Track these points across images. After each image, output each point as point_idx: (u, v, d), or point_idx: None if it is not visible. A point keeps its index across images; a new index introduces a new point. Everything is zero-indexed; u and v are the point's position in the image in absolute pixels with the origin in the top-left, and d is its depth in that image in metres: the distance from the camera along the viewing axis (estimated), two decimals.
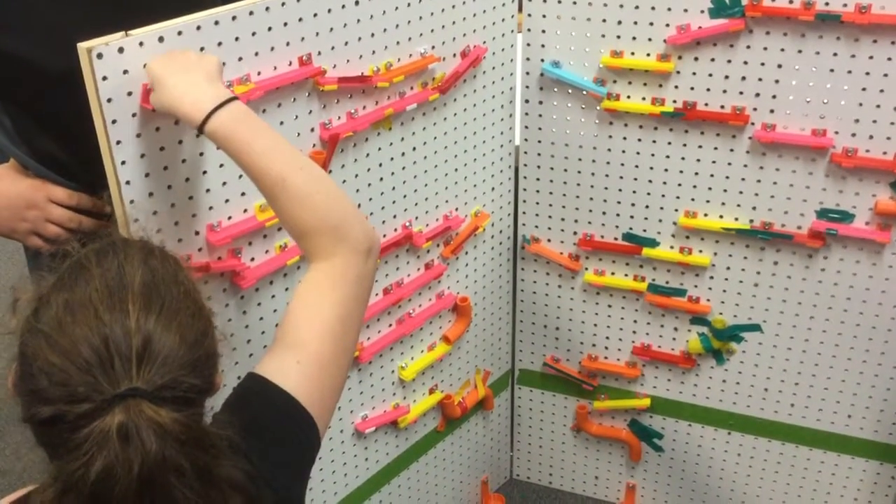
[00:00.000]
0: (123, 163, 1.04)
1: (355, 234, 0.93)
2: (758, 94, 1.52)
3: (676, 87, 1.55)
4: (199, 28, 1.07)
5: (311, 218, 0.91)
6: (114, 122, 1.02)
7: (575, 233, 1.76)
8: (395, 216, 1.50)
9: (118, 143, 1.03)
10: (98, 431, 0.63)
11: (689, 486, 1.94)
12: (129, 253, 0.78)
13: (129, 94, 1.02)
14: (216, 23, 1.08)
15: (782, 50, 1.47)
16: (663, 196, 1.65)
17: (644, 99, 1.58)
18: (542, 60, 1.61)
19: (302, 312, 0.91)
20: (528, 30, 1.60)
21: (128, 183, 1.05)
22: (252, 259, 1.26)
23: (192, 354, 0.71)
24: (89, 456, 0.63)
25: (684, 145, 1.60)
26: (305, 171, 0.92)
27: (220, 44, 1.10)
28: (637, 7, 1.51)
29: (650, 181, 1.65)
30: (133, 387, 0.65)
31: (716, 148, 1.58)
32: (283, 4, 1.16)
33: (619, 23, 1.53)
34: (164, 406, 0.66)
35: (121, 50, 0.99)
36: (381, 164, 1.43)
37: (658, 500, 1.98)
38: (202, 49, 1.07)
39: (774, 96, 1.51)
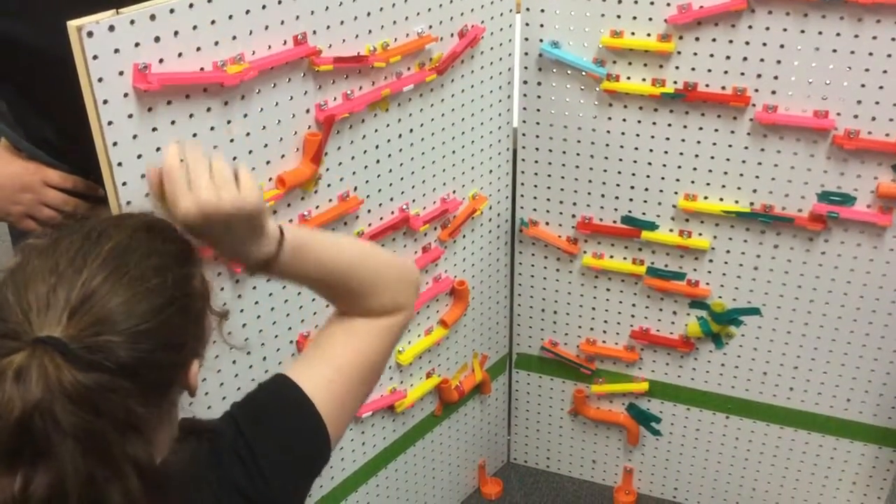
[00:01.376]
0: (115, 144, 1.02)
1: (411, 303, 0.95)
2: (759, 75, 1.50)
3: (677, 67, 1.53)
4: (191, 6, 1.04)
5: (382, 298, 0.92)
6: (105, 102, 1.00)
7: (573, 216, 1.74)
8: (391, 199, 1.48)
9: (109, 123, 1.01)
10: (2, 366, 0.65)
11: (687, 470, 1.93)
12: (123, 222, 0.77)
13: (121, 73, 1.00)
14: (209, 0, 1.06)
15: (784, 30, 1.45)
16: (663, 179, 1.64)
17: (644, 80, 1.56)
18: (541, 40, 1.59)
19: (344, 336, 0.92)
20: (527, 9, 1.58)
21: (119, 165, 1.03)
22: None
23: (136, 328, 0.69)
24: None
25: (684, 127, 1.58)
26: (373, 257, 0.95)
27: (213, 22, 1.07)
28: None
29: (650, 163, 1.63)
30: (52, 336, 0.66)
31: (716, 130, 1.56)
32: None
33: (619, 1, 1.51)
34: (76, 364, 0.65)
35: (111, 28, 0.97)
36: (377, 146, 1.41)
37: (655, 483, 1.98)
38: (195, 28, 1.05)
39: (776, 77, 1.49)
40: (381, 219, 1.47)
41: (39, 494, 0.65)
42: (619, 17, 1.52)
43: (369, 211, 1.44)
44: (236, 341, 1.23)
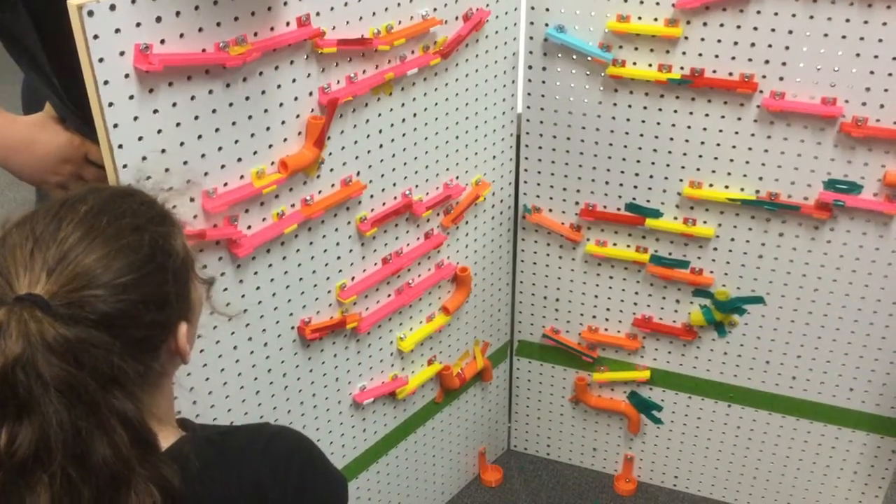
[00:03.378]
0: (116, 125, 1.01)
1: None
2: (767, 61, 1.48)
3: (684, 53, 1.51)
4: None
5: None
6: (105, 82, 0.98)
7: (577, 203, 1.73)
8: (394, 184, 1.46)
9: (110, 104, 0.99)
10: None
11: (688, 459, 1.93)
12: (100, 188, 0.79)
13: (122, 53, 0.98)
14: None
15: (793, 15, 1.43)
16: (668, 166, 1.62)
17: (651, 65, 1.54)
18: (547, 25, 1.57)
19: None
20: None
21: (120, 146, 1.02)
22: (249, 227, 1.22)
23: (115, 281, 0.70)
24: None
25: (691, 113, 1.56)
26: None
27: (215, 2, 1.05)
28: None
29: (655, 150, 1.62)
30: (31, 293, 0.67)
31: (723, 116, 1.55)
32: None
33: None
34: (57, 318, 0.66)
35: (112, 7, 0.95)
36: (380, 131, 1.39)
37: (656, 472, 1.97)
38: (196, 8, 1.03)
39: (784, 63, 1.47)
40: (384, 204, 1.46)
41: (25, 448, 0.65)
42: (625, 1, 1.50)
43: (372, 196, 1.42)
44: (231, 310, 1.22)
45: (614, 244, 1.74)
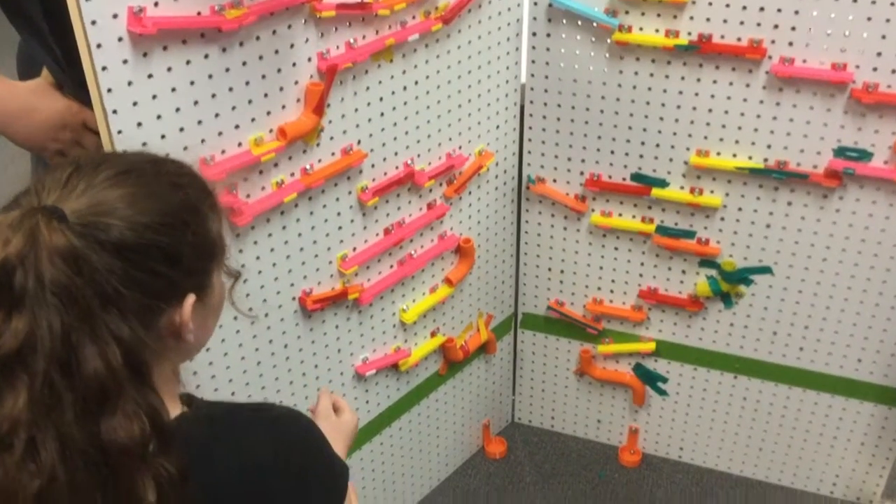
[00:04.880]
0: (110, 90, 0.99)
1: None
2: (776, 26, 1.45)
3: (691, 17, 1.48)
4: None
5: None
6: (98, 46, 0.96)
7: (581, 173, 1.70)
8: (396, 153, 1.44)
9: (104, 69, 0.97)
10: (7, 221, 0.68)
11: (693, 430, 1.92)
12: (158, 157, 0.80)
13: (115, 16, 0.96)
14: None
15: None
16: (675, 134, 1.59)
17: (657, 31, 1.51)
18: None
19: None
20: None
21: (115, 112, 1.00)
22: (248, 196, 1.21)
23: (134, 217, 0.70)
24: None
25: (698, 80, 1.53)
26: None
27: None
28: None
29: (661, 118, 1.59)
30: (53, 205, 0.69)
31: (731, 83, 1.52)
32: None
33: None
34: (71, 231, 0.67)
35: None
36: (381, 98, 1.37)
37: (661, 443, 1.97)
38: None
39: (794, 28, 1.44)
40: (386, 174, 1.43)
41: (9, 344, 0.65)
42: None
43: (373, 165, 1.40)
44: (242, 307, 1.22)
45: (620, 215, 1.72)
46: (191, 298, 0.76)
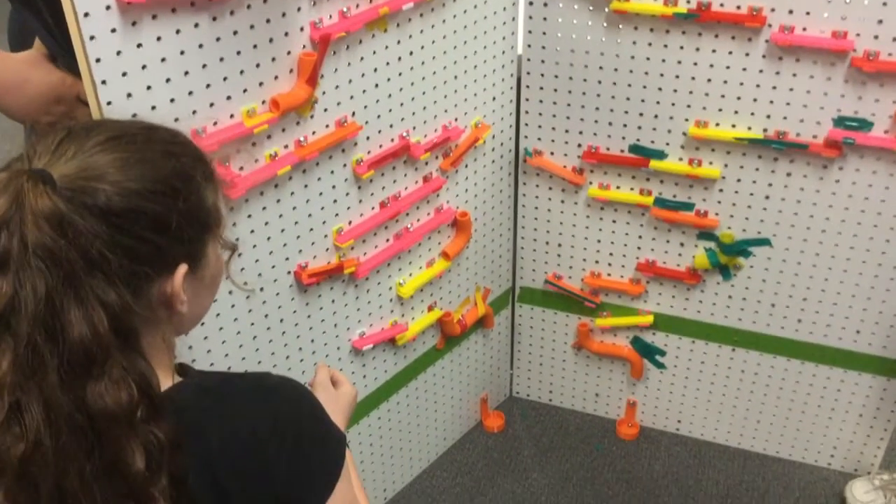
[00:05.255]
0: (98, 60, 0.97)
1: None
2: None
3: None
4: None
5: None
6: (86, 14, 0.94)
7: (579, 145, 1.68)
8: (391, 125, 1.42)
9: (92, 38, 0.95)
10: None
11: (691, 403, 1.92)
12: (154, 125, 0.79)
13: None
14: None
15: None
16: (673, 105, 1.58)
17: None
18: None
19: None
20: None
21: (104, 82, 0.98)
22: (241, 168, 1.19)
23: (124, 184, 0.70)
24: None
25: (697, 49, 1.51)
26: None
27: None
28: None
29: (660, 89, 1.57)
30: (41, 168, 0.68)
31: (730, 52, 1.50)
32: None
33: None
34: (59, 195, 0.67)
35: None
36: (375, 69, 1.35)
37: (659, 416, 1.97)
38: None
39: None
40: (381, 146, 1.42)
41: None
42: None
43: (368, 138, 1.39)
44: (238, 280, 1.22)
45: (618, 187, 1.70)
46: (182, 268, 0.74)
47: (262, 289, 1.30)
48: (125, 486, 0.68)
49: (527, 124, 1.70)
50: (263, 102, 1.18)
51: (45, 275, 0.65)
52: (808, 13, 1.43)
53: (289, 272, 1.34)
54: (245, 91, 1.15)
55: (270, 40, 1.15)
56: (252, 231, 1.25)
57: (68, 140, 0.71)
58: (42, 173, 0.67)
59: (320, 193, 1.34)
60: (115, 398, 0.67)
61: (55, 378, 0.66)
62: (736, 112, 1.55)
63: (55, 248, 0.66)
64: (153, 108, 1.04)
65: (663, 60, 1.54)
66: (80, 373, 0.67)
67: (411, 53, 1.40)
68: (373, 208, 1.45)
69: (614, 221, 1.74)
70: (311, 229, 1.35)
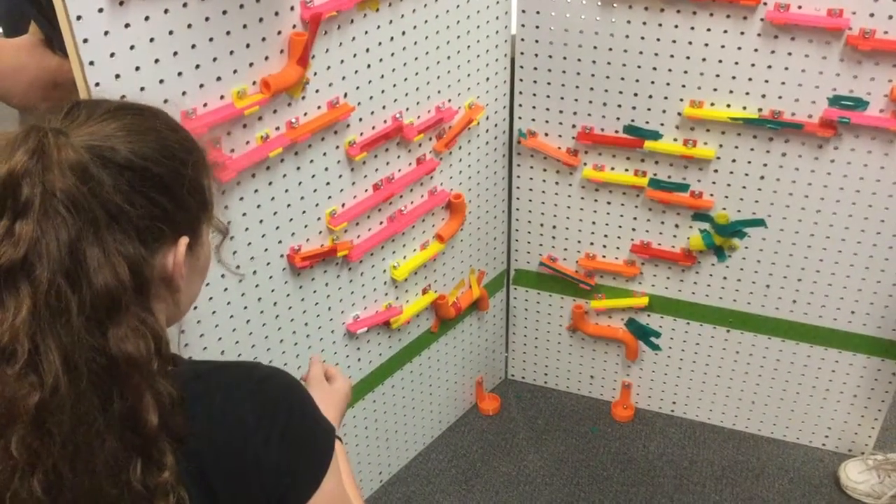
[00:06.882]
0: (86, 41, 0.96)
1: None
2: None
3: None
4: None
5: None
6: None
7: (573, 126, 1.67)
8: (384, 107, 1.41)
9: (79, 18, 0.94)
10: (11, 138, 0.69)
11: (686, 385, 1.92)
12: (141, 103, 0.79)
13: None
14: None
15: None
16: (668, 85, 1.57)
17: None
18: None
19: None
20: None
21: (91, 63, 0.97)
22: (232, 150, 1.18)
23: (134, 149, 0.71)
24: None
25: (692, 28, 1.50)
26: None
27: None
28: None
29: (654, 69, 1.56)
30: (62, 128, 0.69)
31: (725, 31, 1.48)
32: None
33: None
34: (76, 148, 0.68)
35: None
36: (367, 50, 1.34)
37: (654, 398, 1.97)
38: None
39: None
40: (374, 127, 1.41)
41: (10, 253, 0.65)
42: None
43: (360, 119, 1.37)
44: (230, 264, 1.21)
45: (612, 168, 1.69)
46: (185, 240, 0.75)
47: (254, 272, 1.30)
48: (137, 438, 0.69)
49: (521, 105, 1.69)
50: (254, 83, 1.17)
51: (68, 222, 0.66)
52: None
53: (282, 255, 1.33)
54: (235, 72, 1.14)
55: (260, 20, 1.14)
56: (244, 214, 1.24)
57: (78, 108, 0.73)
58: (61, 129, 0.69)
59: (313, 176, 1.33)
60: (135, 345, 0.68)
61: (78, 322, 0.66)
62: (731, 92, 1.54)
63: (80, 196, 0.66)
64: (142, 89, 1.03)
65: (658, 40, 1.53)
66: (103, 318, 0.67)
67: (403, 33, 1.39)
68: (366, 190, 1.44)
69: (609, 203, 1.74)
70: (304, 212, 1.34)
